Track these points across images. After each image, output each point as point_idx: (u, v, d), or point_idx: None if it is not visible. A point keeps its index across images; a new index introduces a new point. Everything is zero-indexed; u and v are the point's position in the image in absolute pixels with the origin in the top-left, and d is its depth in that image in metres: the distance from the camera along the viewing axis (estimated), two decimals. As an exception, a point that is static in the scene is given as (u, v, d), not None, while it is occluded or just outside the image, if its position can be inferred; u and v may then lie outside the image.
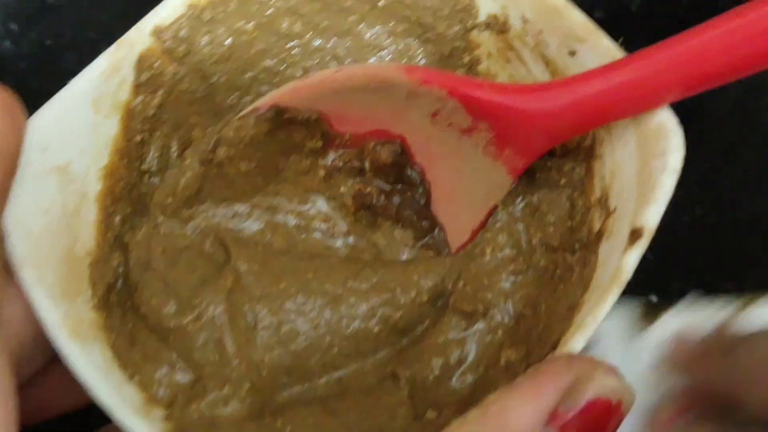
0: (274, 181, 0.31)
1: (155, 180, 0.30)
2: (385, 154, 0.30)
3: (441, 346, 0.29)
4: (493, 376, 0.28)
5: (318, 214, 0.32)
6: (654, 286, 0.44)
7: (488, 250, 0.30)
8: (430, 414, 0.28)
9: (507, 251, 0.30)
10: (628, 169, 0.26)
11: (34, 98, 0.48)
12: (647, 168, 0.25)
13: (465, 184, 0.29)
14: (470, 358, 0.29)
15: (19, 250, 0.24)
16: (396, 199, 0.31)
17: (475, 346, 0.29)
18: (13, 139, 0.22)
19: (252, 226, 0.31)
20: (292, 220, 0.31)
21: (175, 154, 0.30)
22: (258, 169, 0.31)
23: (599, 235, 0.27)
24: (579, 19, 0.28)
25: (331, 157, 0.31)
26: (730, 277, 0.44)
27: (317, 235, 0.31)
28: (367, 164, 0.31)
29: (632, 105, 0.25)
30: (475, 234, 0.30)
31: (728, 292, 0.44)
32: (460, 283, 0.30)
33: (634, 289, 0.44)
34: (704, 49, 0.23)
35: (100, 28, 0.50)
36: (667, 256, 0.45)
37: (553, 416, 0.20)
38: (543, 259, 0.30)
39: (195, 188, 0.30)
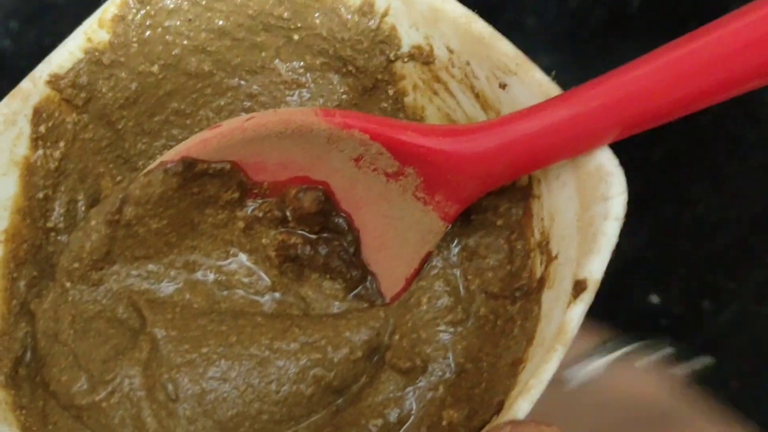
0: (189, 236, 0.29)
1: (63, 238, 0.28)
2: (308, 202, 0.28)
3: (379, 405, 0.27)
4: None
5: (239, 269, 0.30)
6: (654, 287, 0.44)
7: (424, 300, 0.29)
8: None
9: (444, 300, 0.29)
10: (568, 213, 0.25)
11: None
12: (588, 213, 0.24)
13: (396, 230, 0.28)
14: (411, 418, 0.27)
15: None
16: (323, 249, 0.29)
17: (415, 404, 0.27)
18: None
19: (168, 286, 0.29)
20: (211, 277, 0.29)
21: (83, 208, 0.29)
22: (171, 226, 0.28)
23: (541, 282, 0.26)
24: (508, 49, 0.27)
25: (249, 207, 0.29)
26: (731, 277, 0.44)
27: (240, 291, 0.29)
28: (289, 213, 0.29)
29: (569, 146, 0.23)
30: (409, 282, 0.28)
31: (729, 292, 0.44)
32: (396, 337, 0.28)
33: (635, 289, 0.44)
34: (644, 84, 0.21)
35: (99, 27, 0.51)
36: (668, 255, 0.45)
37: None
38: (483, 307, 0.28)
39: (103, 251, 0.28)
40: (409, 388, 0.27)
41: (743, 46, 0.20)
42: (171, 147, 0.28)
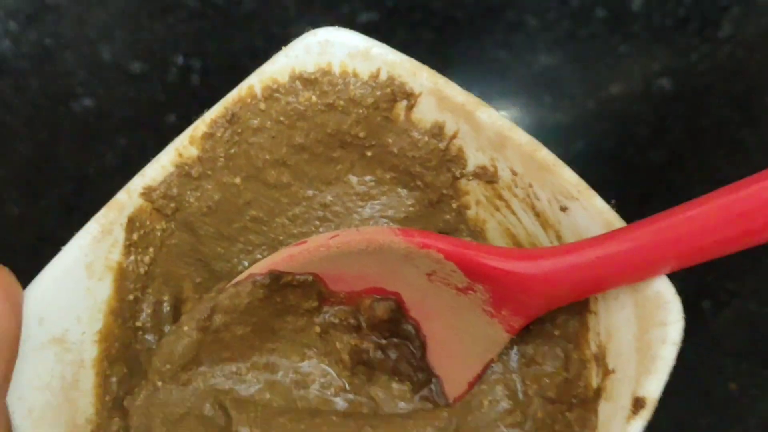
0: (270, 340, 0.31)
1: (149, 336, 0.30)
2: (381, 311, 0.30)
3: None
4: None
5: (315, 370, 0.31)
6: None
7: (486, 402, 0.30)
8: None
9: (504, 403, 0.30)
10: (626, 333, 0.27)
11: (33, 97, 0.48)
12: (646, 336, 0.26)
13: (461, 339, 0.29)
14: None
15: (23, 429, 0.25)
16: (392, 353, 0.31)
17: None
18: (14, 321, 0.23)
19: (250, 386, 0.31)
20: (289, 378, 0.31)
21: (167, 308, 0.31)
22: (254, 332, 0.31)
23: (597, 393, 0.27)
24: (570, 177, 0.28)
25: (326, 314, 0.31)
26: (730, 277, 0.44)
27: (315, 391, 0.31)
28: (362, 320, 0.31)
29: (628, 275, 0.25)
30: (471, 386, 0.30)
31: (729, 292, 0.44)
32: None
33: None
34: (698, 224, 0.23)
35: (99, 27, 0.50)
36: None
37: None
38: (540, 411, 0.30)
39: (192, 354, 0.30)
40: None
41: None
42: (247, 251, 0.31)
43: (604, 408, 0.27)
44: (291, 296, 0.30)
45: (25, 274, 0.47)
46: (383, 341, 0.31)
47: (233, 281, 0.29)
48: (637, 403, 0.25)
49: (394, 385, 0.31)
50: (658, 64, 0.50)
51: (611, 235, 0.25)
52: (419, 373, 0.31)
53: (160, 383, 0.30)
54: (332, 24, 0.48)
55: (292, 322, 0.31)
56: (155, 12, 0.51)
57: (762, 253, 0.45)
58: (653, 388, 0.25)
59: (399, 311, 0.30)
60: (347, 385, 0.31)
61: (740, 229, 0.23)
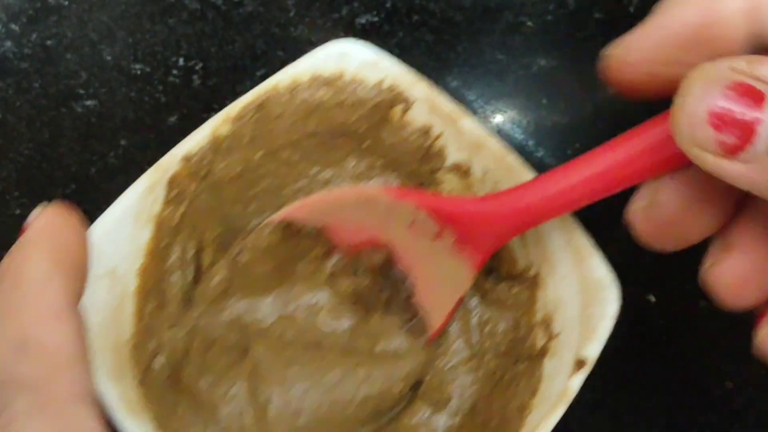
0: (287, 280, 0.37)
1: (176, 275, 0.36)
2: (376, 259, 0.36)
3: (412, 426, 0.35)
4: None
5: (324, 306, 0.37)
6: (652, 287, 0.44)
7: (449, 351, 0.37)
8: None
9: (463, 353, 0.37)
10: (571, 307, 0.33)
11: (35, 98, 0.49)
12: (588, 311, 0.32)
13: (439, 280, 0.35)
14: None
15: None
16: (386, 293, 0.37)
17: (439, 428, 0.35)
18: (86, 252, 0.28)
19: (269, 318, 0.37)
20: (302, 312, 0.37)
21: (191, 254, 0.37)
22: (273, 271, 0.37)
23: (543, 351, 0.34)
24: (530, 176, 0.34)
25: (333, 260, 0.37)
26: (727, 277, 0.44)
27: (322, 326, 0.37)
28: (361, 267, 0.37)
29: (555, 211, 0.31)
30: (447, 320, 0.36)
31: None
32: (428, 377, 0.37)
33: (632, 289, 0.44)
34: (603, 169, 0.29)
35: (101, 28, 0.51)
36: (666, 256, 0.46)
37: None
38: (492, 361, 0.36)
39: (224, 287, 0.36)
40: (435, 415, 0.36)
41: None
42: (259, 213, 0.38)
43: (548, 364, 0.33)
44: (302, 243, 0.36)
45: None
46: (378, 284, 0.37)
47: (258, 228, 0.36)
48: (579, 363, 0.31)
49: (387, 319, 0.37)
50: (655, 66, 0.50)
51: (539, 180, 0.31)
52: (408, 310, 0.37)
53: (196, 313, 0.36)
54: (333, 26, 0.49)
55: (304, 266, 0.37)
56: (156, 14, 0.51)
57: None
58: (593, 351, 0.31)
59: (390, 260, 0.36)
60: (350, 319, 0.37)
61: (630, 170, 0.28)
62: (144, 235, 0.35)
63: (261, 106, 0.37)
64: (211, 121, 0.36)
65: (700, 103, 0.23)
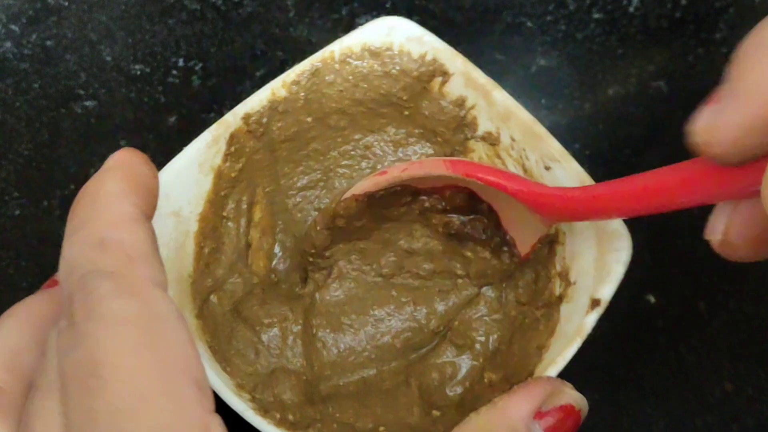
0: (383, 224, 0.41)
1: (231, 224, 0.40)
2: (459, 200, 0.39)
3: (439, 365, 0.39)
4: (478, 391, 0.38)
5: (419, 241, 0.41)
6: (652, 288, 0.44)
7: (481, 304, 0.40)
8: (435, 413, 0.37)
9: (493, 304, 0.40)
10: (588, 257, 0.36)
11: (35, 99, 0.49)
12: (604, 258, 0.35)
13: (520, 219, 0.38)
14: (459, 375, 0.39)
15: None
16: (472, 225, 0.40)
17: (463, 367, 0.39)
18: (158, 186, 0.30)
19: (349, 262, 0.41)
20: (402, 246, 0.41)
21: (244, 206, 0.40)
22: (369, 222, 0.40)
23: (560, 298, 0.37)
24: (556, 146, 0.37)
25: (422, 201, 0.40)
26: (726, 278, 0.44)
27: (418, 259, 0.41)
28: (447, 204, 0.40)
29: (604, 214, 0.33)
30: (533, 248, 0.38)
31: (725, 293, 0.44)
32: (455, 323, 0.40)
33: (632, 290, 0.44)
34: (641, 192, 0.30)
35: (100, 29, 0.51)
36: (665, 257, 0.46)
37: (538, 413, 0.30)
38: (513, 310, 0.39)
39: (327, 242, 0.40)
40: (460, 356, 0.39)
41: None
42: (306, 173, 0.42)
43: (565, 308, 0.36)
44: (390, 198, 0.39)
45: (27, 274, 0.47)
46: (465, 218, 0.40)
47: (342, 198, 0.39)
48: (594, 303, 0.34)
49: (477, 247, 0.40)
50: (654, 66, 0.50)
51: (599, 186, 0.32)
52: (495, 237, 0.39)
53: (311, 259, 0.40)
54: (332, 26, 0.49)
55: (396, 210, 0.40)
56: (156, 14, 0.51)
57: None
58: (607, 292, 0.34)
59: (473, 198, 0.39)
60: (444, 250, 0.41)
61: (668, 200, 0.29)
62: (206, 184, 0.38)
63: (316, 72, 0.40)
64: (270, 84, 0.39)
65: None
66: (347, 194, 0.39)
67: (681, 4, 0.52)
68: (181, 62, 0.50)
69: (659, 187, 0.29)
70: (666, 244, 0.46)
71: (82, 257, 0.26)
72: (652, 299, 0.44)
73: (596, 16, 0.52)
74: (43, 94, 0.49)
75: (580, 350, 0.40)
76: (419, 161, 0.40)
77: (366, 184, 0.38)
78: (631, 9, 0.52)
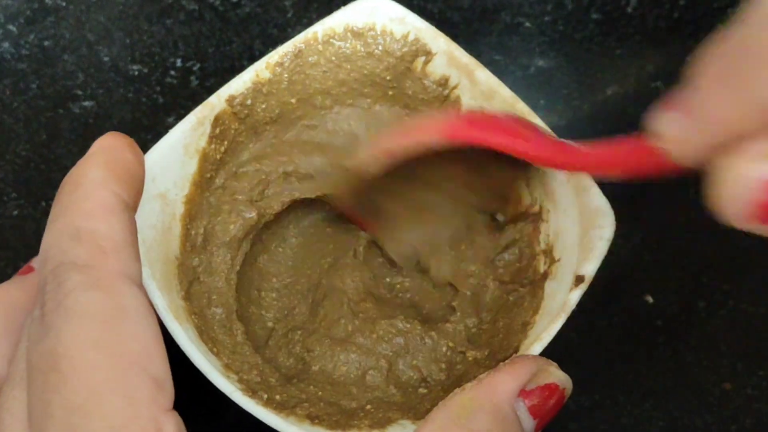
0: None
1: (214, 202, 0.40)
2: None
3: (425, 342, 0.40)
4: (462, 368, 0.38)
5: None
6: (650, 288, 0.44)
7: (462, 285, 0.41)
8: (422, 390, 0.38)
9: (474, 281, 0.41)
10: (571, 234, 0.36)
11: (33, 99, 0.49)
12: (588, 235, 0.35)
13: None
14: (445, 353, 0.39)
15: (141, 251, 0.31)
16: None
17: (445, 347, 0.39)
18: (143, 172, 0.30)
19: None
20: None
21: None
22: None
23: (545, 275, 0.37)
24: (539, 123, 0.37)
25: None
26: (725, 278, 0.44)
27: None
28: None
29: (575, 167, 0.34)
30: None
31: (723, 293, 0.44)
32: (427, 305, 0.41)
33: (631, 290, 0.44)
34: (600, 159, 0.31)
35: (98, 29, 0.51)
36: (664, 257, 0.46)
37: (522, 392, 0.30)
38: (497, 290, 0.40)
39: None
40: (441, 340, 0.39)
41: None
42: (290, 154, 0.41)
43: (549, 285, 0.36)
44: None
45: (24, 274, 0.47)
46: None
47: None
48: (578, 279, 0.34)
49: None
50: (652, 67, 0.50)
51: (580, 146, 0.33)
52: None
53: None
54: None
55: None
56: (154, 14, 0.51)
57: (755, 255, 0.46)
58: (591, 268, 0.34)
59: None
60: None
61: (624, 167, 0.30)
62: (191, 166, 0.38)
63: (299, 53, 0.40)
64: (254, 66, 0.40)
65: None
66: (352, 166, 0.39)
67: (679, 4, 0.52)
68: (179, 63, 0.50)
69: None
70: (664, 243, 0.46)
71: (56, 247, 0.26)
72: (651, 299, 0.44)
73: (594, 16, 0.52)
74: (41, 95, 0.49)
75: (578, 349, 0.41)
76: (420, 126, 0.37)
77: (370, 162, 0.37)
78: (629, 9, 0.52)
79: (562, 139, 0.34)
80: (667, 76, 0.50)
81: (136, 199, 0.29)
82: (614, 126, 0.50)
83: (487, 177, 0.39)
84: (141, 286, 0.27)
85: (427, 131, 0.36)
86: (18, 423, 0.24)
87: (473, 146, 0.35)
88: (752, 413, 0.42)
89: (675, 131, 0.25)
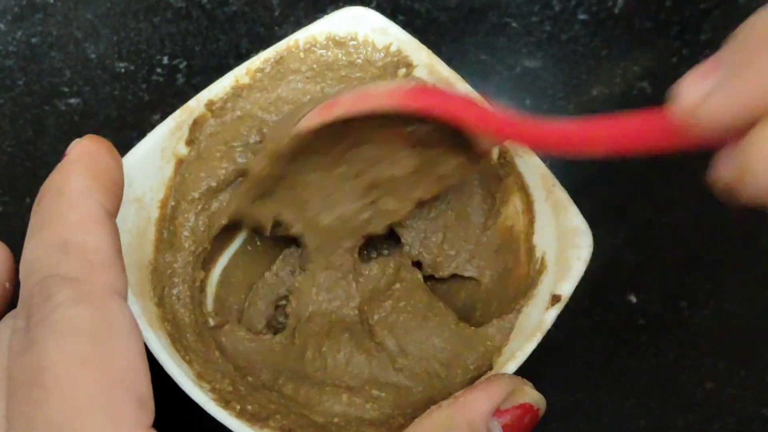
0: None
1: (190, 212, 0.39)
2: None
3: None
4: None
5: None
6: (633, 287, 0.45)
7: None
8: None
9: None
10: (548, 253, 0.36)
11: (19, 96, 0.49)
12: (565, 254, 0.35)
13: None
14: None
15: None
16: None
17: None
18: (121, 176, 0.29)
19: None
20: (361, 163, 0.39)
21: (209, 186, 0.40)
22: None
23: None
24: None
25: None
26: (707, 278, 0.45)
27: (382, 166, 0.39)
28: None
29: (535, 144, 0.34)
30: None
31: (706, 292, 0.44)
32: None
33: (614, 289, 0.44)
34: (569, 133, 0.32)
35: (85, 26, 0.51)
36: (645, 256, 0.46)
37: (497, 411, 0.30)
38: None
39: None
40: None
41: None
42: None
43: (527, 302, 0.36)
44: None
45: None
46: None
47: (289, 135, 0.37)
48: (555, 298, 0.34)
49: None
50: (638, 67, 0.50)
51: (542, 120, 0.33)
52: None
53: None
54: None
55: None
56: (141, 12, 0.51)
57: (738, 255, 0.46)
58: (567, 288, 0.34)
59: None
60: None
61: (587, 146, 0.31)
62: (167, 170, 0.38)
63: (280, 60, 0.40)
64: (233, 71, 0.40)
65: None
66: (294, 131, 0.37)
67: (666, 5, 0.52)
68: (165, 60, 0.50)
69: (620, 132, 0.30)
70: (648, 243, 0.46)
71: (43, 259, 0.26)
72: (634, 299, 0.44)
73: (581, 17, 0.52)
74: (27, 91, 0.49)
75: (560, 348, 0.41)
76: (371, 92, 0.36)
77: (313, 121, 0.36)
78: (616, 10, 0.52)
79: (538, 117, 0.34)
80: (653, 77, 0.50)
81: (117, 207, 0.29)
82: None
83: (433, 163, 0.38)
84: (126, 301, 0.26)
85: (376, 98, 0.35)
86: None
87: (421, 116, 0.35)
88: (734, 413, 0.42)
89: (703, 88, 0.25)
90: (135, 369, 0.24)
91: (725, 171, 0.26)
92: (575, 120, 0.31)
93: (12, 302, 0.31)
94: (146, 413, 0.24)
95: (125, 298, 0.26)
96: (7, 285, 0.31)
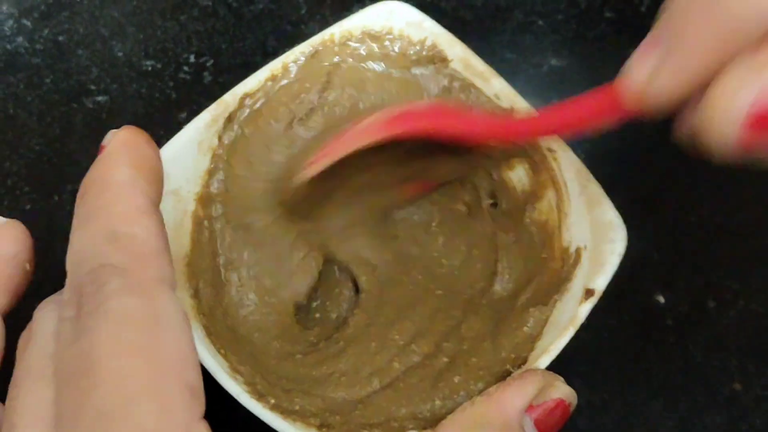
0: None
1: (218, 203, 0.40)
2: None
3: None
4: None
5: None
6: (660, 286, 0.44)
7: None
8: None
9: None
10: (583, 246, 0.37)
11: (46, 93, 0.49)
12: (599, 248, 0.36)
13: None
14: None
15: None
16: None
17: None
18: (162, 168, 0.30)
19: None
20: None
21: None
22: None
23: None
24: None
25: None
26: (735, 277, 0.44)
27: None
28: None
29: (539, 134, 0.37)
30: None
31: (734, 292, 0.44)
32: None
33: (641, 288, 0.44)
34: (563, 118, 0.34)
35: (112, 24, 0.51)
36: (673, 256, 0.46)
37: (529, 406, 0.30)
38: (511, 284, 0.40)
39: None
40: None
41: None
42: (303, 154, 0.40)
43: (560, 296, 0.36)
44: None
45: (38, 268, 0.47)
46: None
47: (294, 185, 0.37)
48: (588, 293, 0.34)
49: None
50: (665, 66, 0.50)
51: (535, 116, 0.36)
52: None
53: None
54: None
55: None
56: (168, 10, 0.52)
57: (765, 254, 0.45)
58: (601, 282, 0.35)
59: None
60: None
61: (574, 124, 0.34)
62: (203, 163, 0.39)
63: (315, 54, 0.41)
64: (269, 65, 0.40)
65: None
66: (300, 178, 0.37)
67: (692, 3, 0.52)
68: (192, 58, 0.50)
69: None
70: (675, 242, 0.46)
71: (93, 249, 0.26)
72: (662, 299, 0.44)
73: (608, 15, 0.52)
74: (54, 89, 0.49)
75: (589, 349, 0.41)
76: (352, 132, 0.37)
77: (307, 174, 0.37)
78: (643, 8, 0.52)
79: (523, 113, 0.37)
80: (679, 75, 0.50)
81: (160, 197, 0.29)
82: (627, 125, 0.50)
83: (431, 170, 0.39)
84: (175, 291, 0.26)
85: (359, 136, 0.36)
86: (40, 422, 0.24)
87: (411, 139, 0.36)
88: (762, 413, 0.42)
89: (647, 69, 0.27)
90: (185, 358, 0.24)
91: (687, 128, 0.27)
92: (540, 109, 0.34)
93: (34, 284, 0.31)
94: (197, 402, 0.24)
95: (174, 289, 0.26)
96: (28, 266, 0.31)
